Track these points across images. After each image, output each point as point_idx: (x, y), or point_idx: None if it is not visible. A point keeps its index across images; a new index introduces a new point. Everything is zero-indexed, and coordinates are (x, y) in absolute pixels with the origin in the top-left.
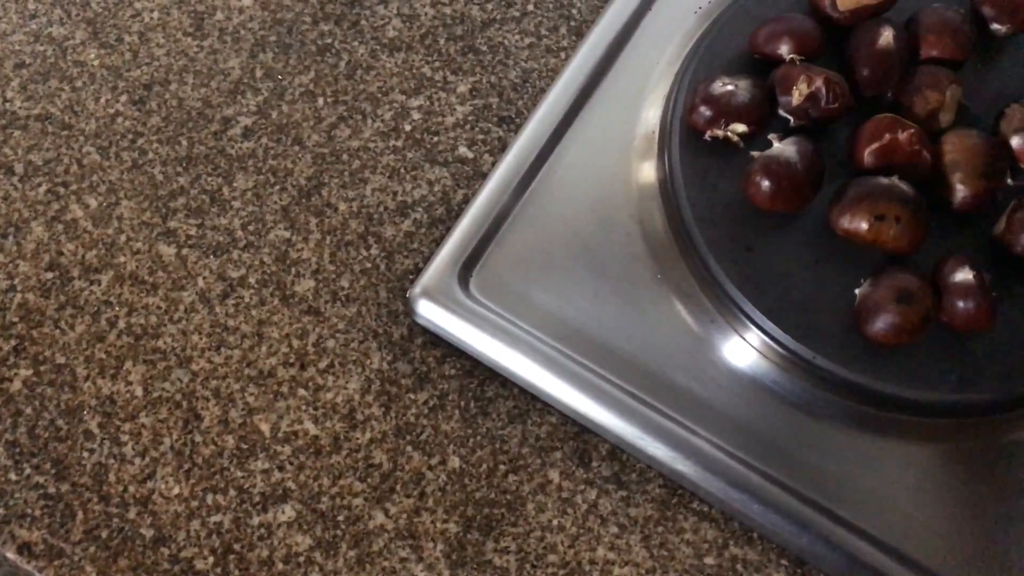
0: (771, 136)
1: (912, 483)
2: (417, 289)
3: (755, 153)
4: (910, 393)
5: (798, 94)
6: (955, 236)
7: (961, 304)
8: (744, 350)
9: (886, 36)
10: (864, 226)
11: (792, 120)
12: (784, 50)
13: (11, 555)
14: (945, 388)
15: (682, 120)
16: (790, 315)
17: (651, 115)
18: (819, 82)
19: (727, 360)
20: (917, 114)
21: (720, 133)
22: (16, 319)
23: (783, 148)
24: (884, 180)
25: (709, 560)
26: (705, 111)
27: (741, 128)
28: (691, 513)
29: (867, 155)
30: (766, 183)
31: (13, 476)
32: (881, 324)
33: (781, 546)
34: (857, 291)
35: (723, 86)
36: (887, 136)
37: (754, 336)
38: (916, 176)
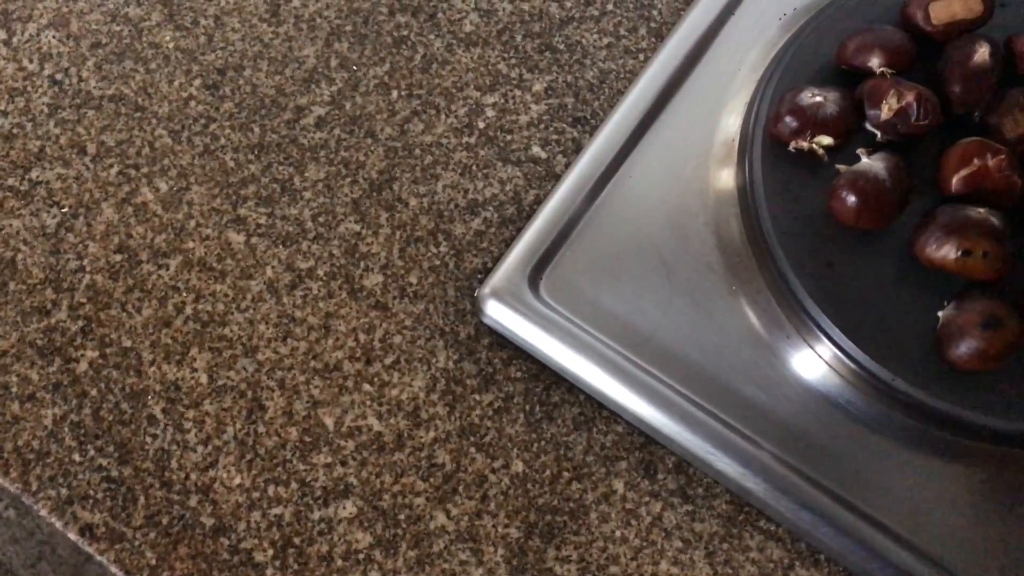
0: (860, 151)
1: (988, 515)
2: (486, 289)
3: (841, 167)
4: (990, 421)
5: (888, 108)
6: None
7: None
8: (818, 367)
9: (982, 52)
10: (951, 258)
11: (879, 135)
12: (874, 63)
13: (73, 536)
14: None
15: (765, 129)
16: (870, 335)
17: (731, 122)
18: (910, 97)
19: (800, 376)
20: (1007, 137)
21: (805, 145)
22: (84, 300)
23: (871, 164)
24: (974, 213)
25: None
26: (791, 121)
27: (827, 141)
28: (757, 531)
29: (956, 181)
30: (852, 198)
31: (77, 457)
32: (965, 349)
33: (848, 569)
34: (940, 313)
35: (811, 97)
36: (976, 162)
37: (830, 354)
38: (1005, 201)
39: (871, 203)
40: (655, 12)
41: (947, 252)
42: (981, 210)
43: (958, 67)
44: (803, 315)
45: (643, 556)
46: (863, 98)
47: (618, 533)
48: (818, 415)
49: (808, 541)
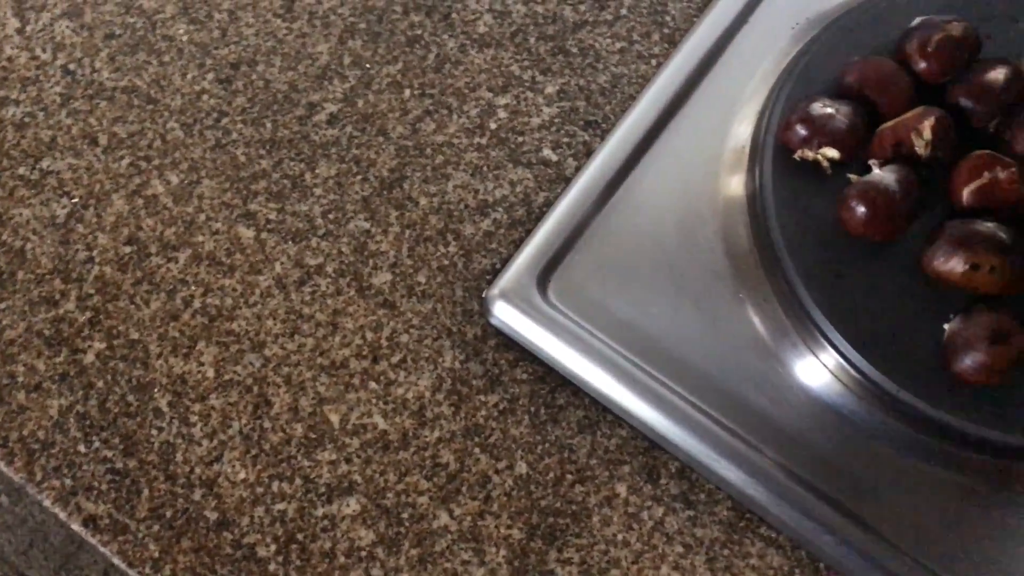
0: (871, 161)
1: (991, 529)
2: (495, 290)
3: (853, 176)
4: (995, 434)
5: (924, 145)
6: None
7: None
8: (823, 376)
9: (997, 73)
10: (957, 272)
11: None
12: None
13: (76, 526)
14: None
15: (775, 138)
16: (876, 346)
17: (742, 130)
18: (931, 124)
19: (805, 385)
20: (1017, 151)
21: (811, 155)
22: (93, 291)
23: (883, 175)
24: (982, 227)
25: None
26: (800, 130)
27: (832, 153)
28: (758, 538)
29: (966, 194)
30: (862, 209)
31: (82, 448)
32: (970, 362)
33: None
34: (946, 326)
35: (823, 108)
36: (986, 175)
37: (836, 364)
38: (1015, 215)
39: (880, 214)
40: (668, 18)
41: (954, 265)
42: (990, 224)
43: (971, 82)
44: (810, 324)
45: (644, 560)
46: (881, 148)
47: (620, 537)
48: (822, 424)
49: (808, 549)
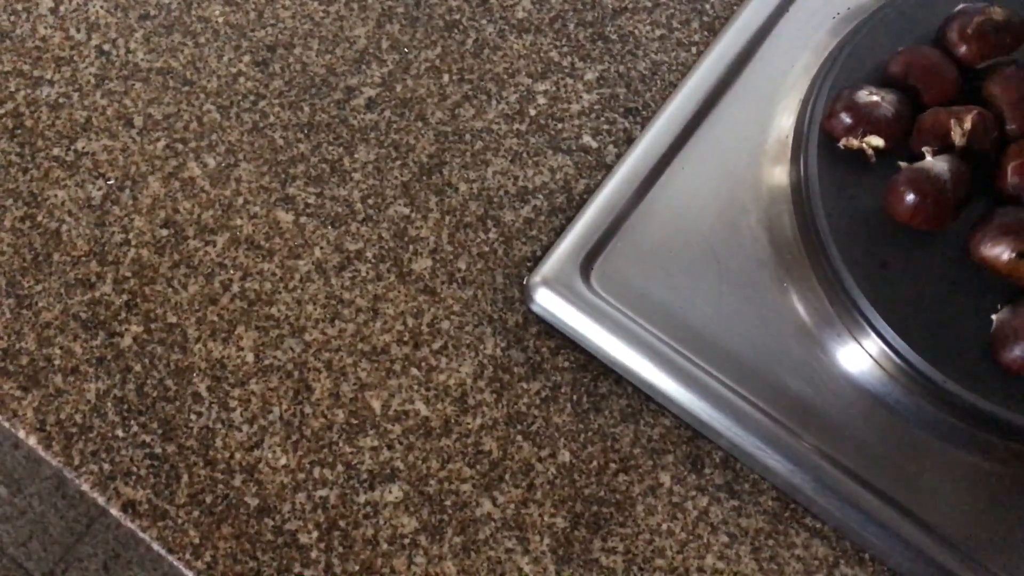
0: (925, 148)
1: None
2: (536, 277)
3: (902, 164)
4: None
5: (960, 135)
6: None
7: None
8: (869, 367)
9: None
10: (1004, 259)
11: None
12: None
13: (115, 511)
14: None
15: (820, 126)
16: (922, 336)
17: (785, 119)
18: (972, 118)
19: (850, 374)
20: None
21: (855, 143)
22: (129, 274)
23: (934, 163)
24: None
25: None
26: (845, 117)
27: (877, 141)
28: (803, 528)
29: (1011, 173)
30: (911, 196)
31: (120, 433)
32: (1018, 353)
33: (893, 569)
34: (994, 317)
35: (868, 95)
36: None
37: (881, 354)
38: None
39: (928, 203)
40: (708, 6)
41: (1000, 252)
42: None
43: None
44: (855, 313)
45: (689, 550)
46: (921, 134)
47: (664, 526)
48: (867, 414)
49: (853, 539)
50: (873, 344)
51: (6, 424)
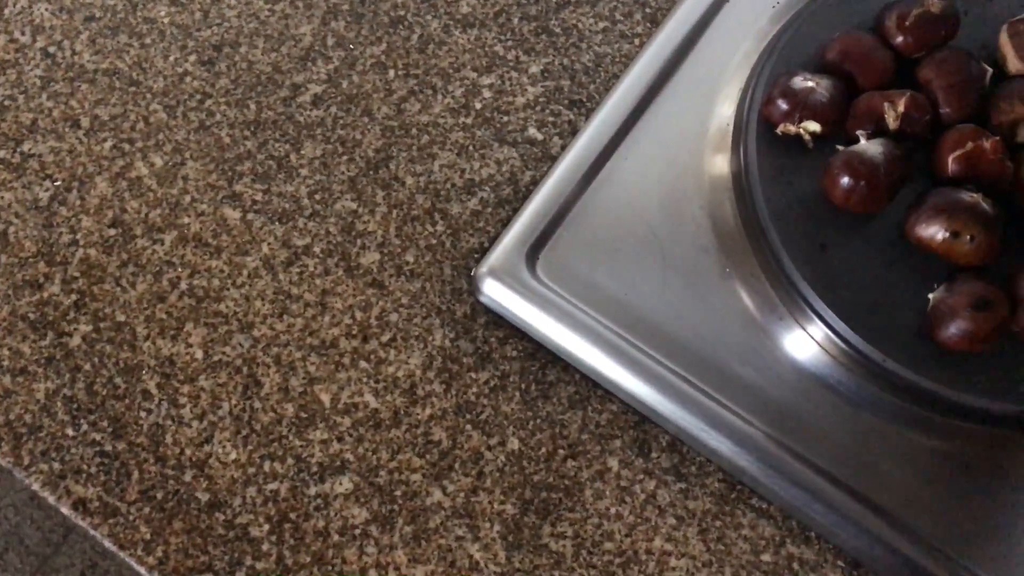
0: (859, 132)
1: (977, 494)
2: (483, 268)
3: (839, 147)
4: (979, 401)
5: (893, 118)
6: None
7: None
8: (810, 348)
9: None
10: (938, 239)
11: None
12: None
13: (66, 510)
14: (1015, 399)
15: (759, 115)
16: (862, 316)
17: (725, 108)
18: (905, 101)
19: (793, 357)
20: (996, 126)
21: (793, 129)
22: (78, 274)
23: (868, 146)
24: (967, 196)
25: (766, 557)
26: (782, 104)
27: (814, 127)
28: (749, 509)
29: (951, 162)
30: (845, 179)
31: (70, 432)
32: (954, 330)
33: (839, 547)
34: (931, 296)
35: (803, 81)
36: (971, 144)
37: (822, 335)
38: (998, 187)
39: (863, 185)
40: None
41: (935, 232)
42: (974, 195)
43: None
44: (796, 297)
45: (637, 533)
46: (856, 118)
47: (612, 510)
48: (810, 395)
49: (799, 519)
50: (814, 326)
51: None
